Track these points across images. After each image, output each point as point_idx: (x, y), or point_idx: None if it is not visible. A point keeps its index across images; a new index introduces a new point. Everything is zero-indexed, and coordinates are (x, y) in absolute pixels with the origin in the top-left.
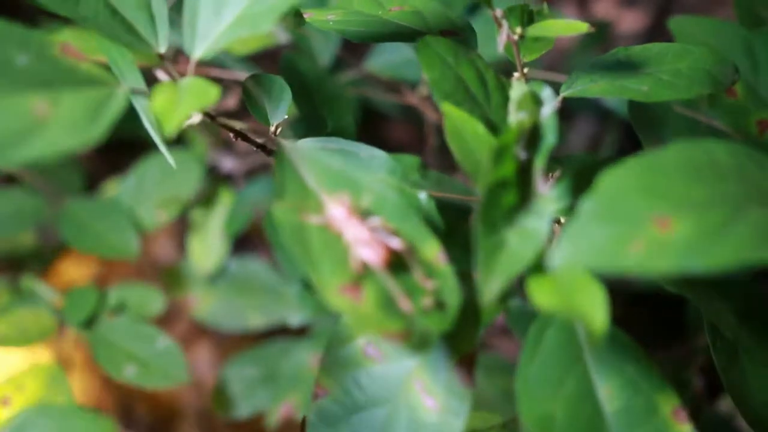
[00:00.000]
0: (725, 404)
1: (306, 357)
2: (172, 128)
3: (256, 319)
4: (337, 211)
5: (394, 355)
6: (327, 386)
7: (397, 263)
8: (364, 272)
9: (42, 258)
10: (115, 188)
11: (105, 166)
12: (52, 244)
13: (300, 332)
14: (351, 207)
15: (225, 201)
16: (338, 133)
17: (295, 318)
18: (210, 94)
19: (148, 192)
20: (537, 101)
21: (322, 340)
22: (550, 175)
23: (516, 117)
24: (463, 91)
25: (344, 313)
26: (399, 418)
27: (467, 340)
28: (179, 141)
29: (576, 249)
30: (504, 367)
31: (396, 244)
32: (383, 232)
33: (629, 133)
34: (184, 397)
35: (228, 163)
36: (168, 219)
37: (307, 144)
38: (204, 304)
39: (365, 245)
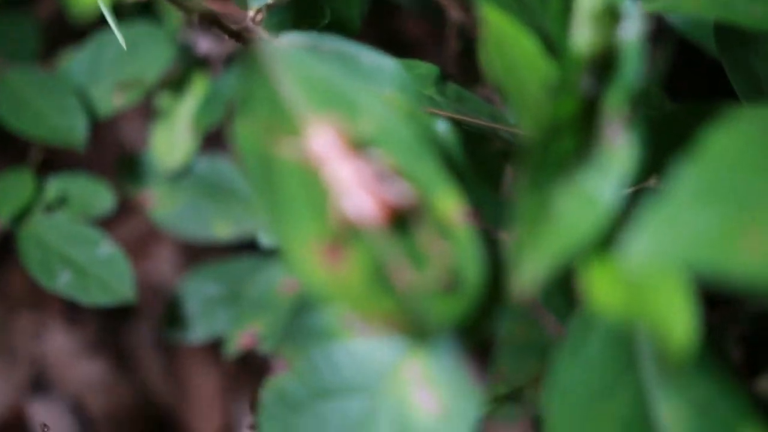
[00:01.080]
0: None
1: (276, 279)
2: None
3: (224, 229)
4: (321, 139)
5: (383, 330)
6: (289, 358)
7: (399, 219)
8: (351, 229)
9: None
10: (67, 61)
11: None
12: None
13: (273, 252)
14: (341, 135)
15: (198, 88)
16: (337, 27)
17: (266, 238)
18: None
19: (106, 70)
20: (615, 15)
21: None
22: (611, 116)
23: (584, 34)
24: None
25: (316, 285)
26: (381, 416)
27: (484, 323)
28: (147, 11)
29: (668, 236)
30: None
31: (401, 191)
32: (384, 173)
33: (684, 50)
34: (141, 299)
35: (204, 44)
36: (127, 103)
37: (292, 41)
38: (164, 204)
39: (356, 191)
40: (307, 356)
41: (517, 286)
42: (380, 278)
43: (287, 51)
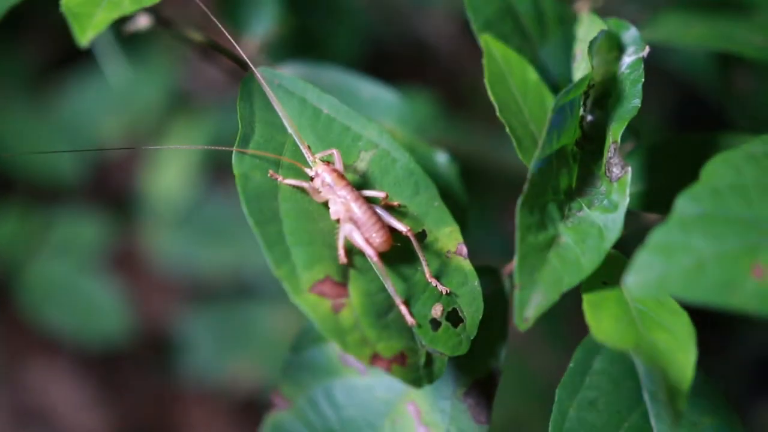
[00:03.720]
0: None
1: (271, 319)
2: (87, 36)
3: (223, 272)
4: (321, 172)
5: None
6: (289, 396)
7: (400, 254)
8: (351, 264)
9: None
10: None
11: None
12: None
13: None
14: (341, 168)
15: (193, 132)
16: (337, 59)
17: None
18: None
19: (102, 108)
20: (616, 45)
21: None
22: (613, 147)
23: (583, 64)
24: (512, 20)
25: (315, 322)
26: None
27: (486, 359)
28: (139, 48)
29: (670, 265)
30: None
31: (400, 226)
32: (384, 208)
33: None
34: (142, 344)
35: (199, 83)
36: (124, 141)
37: (291, 72)
38: (164, 248)
39: (357, 225)
40: (306, 394)
41: (523, 320)
42: (381, 316)
43: (288, 81)
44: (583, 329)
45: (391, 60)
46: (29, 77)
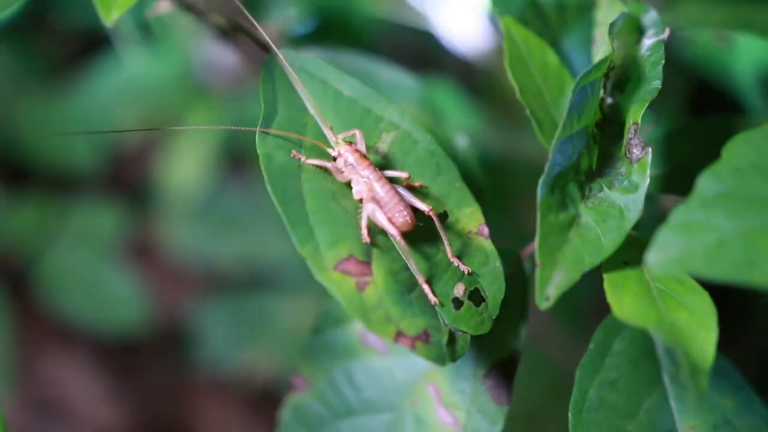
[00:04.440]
0: None
1: (289, 307)
2: (111, 16)
3: (240, 262)
4: (344, 152)
5: (402, 349)
6: (309, 377)
7: (422, 234)
8: (374, 243)
9: None
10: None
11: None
12: None
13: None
14: (364, 149)
15: (212, 118)
16: (358, 45)
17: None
18: None
19: (122, 97)
20: (636, 28)
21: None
22: (634, 128)
23: (603, 47)
24: (532, 7)
25: (340, 299)
26: None
27: (506, 340)
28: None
29: (691, 244)
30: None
31: (423, 206)
32: (406, 188)
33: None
34: (159, 335)
35: (220, 67)
36: (144, 130)
37: (313, 56)
38: (182, 240)
39: (379, 205)
40: (327, 375)
41: (541, 298)
42: (404, 295)
43: (310, 64)
44: (598, 318)
45: (407, 50)
46: (46, 68)
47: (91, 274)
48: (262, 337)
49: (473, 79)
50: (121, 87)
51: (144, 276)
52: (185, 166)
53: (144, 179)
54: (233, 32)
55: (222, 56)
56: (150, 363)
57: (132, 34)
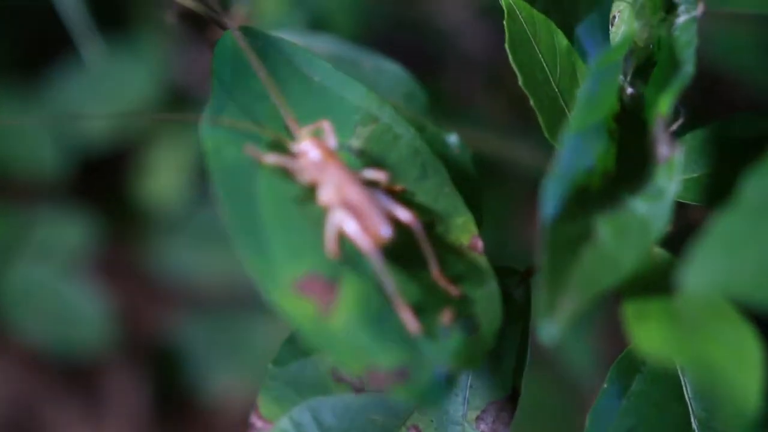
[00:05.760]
0: None
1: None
2: None
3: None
4: (309, 148)
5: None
6: (270, 416)
7: (403, 248)
8: (343, 258)
9: None
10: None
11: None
12: None
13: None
14: (334, 143)
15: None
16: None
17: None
18: None
19: (91, 101)
20: (661, 5)
21: None
22: (661, 122)
23: (623, 27)
24: None
25: (299, 327)
26: None
27: (503, 377)
28: (127, 40)
29: (736, 266)
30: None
31: (404, 215)
32: (384, 192)
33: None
34: (136, 355)
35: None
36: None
37: (281, 36)
38: (159, 253)
39: (350, 212)
40: (290, 413)
41: (546, 328)
42: (381, 322)
43: (275, 44)
44: (615, 349)
45: (400, 47)
46: (7, 68)
47: (55, 289)
48: (241, 358)
49: (476, 79)
50: (90, 88)
51: (115, 292)
52: (162, 176)
53: (117, 189)
54: (201, 16)
55: (198, 61)
56: (121, 384)
57: (91, 32)
